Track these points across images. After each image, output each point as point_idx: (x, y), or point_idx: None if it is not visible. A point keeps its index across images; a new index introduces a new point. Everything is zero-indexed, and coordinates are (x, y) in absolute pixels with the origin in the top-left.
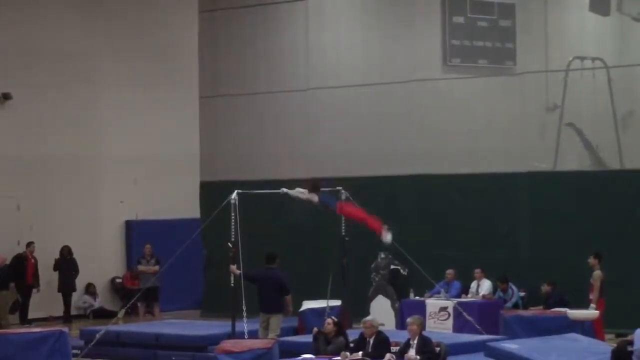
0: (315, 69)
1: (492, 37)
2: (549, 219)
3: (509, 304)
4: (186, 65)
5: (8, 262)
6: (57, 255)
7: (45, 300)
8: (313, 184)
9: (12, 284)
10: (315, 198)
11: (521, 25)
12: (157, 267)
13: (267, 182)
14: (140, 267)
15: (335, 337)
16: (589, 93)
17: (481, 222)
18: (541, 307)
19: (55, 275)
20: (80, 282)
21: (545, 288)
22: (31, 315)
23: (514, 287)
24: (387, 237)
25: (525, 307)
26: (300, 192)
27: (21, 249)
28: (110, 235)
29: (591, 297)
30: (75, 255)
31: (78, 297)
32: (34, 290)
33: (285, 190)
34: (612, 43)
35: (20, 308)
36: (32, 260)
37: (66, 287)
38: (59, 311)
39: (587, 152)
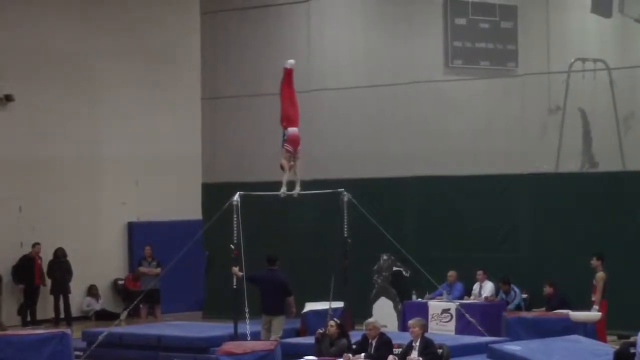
0: (317, 70)
1: (493, 39)
2: (550, 221)
3: (511, 306)
4: (188, 66)
5: (15, 263)
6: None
7: (47, 302)
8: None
9: (21, 286)
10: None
11: (523, 27)
12: (158, 269)
13: (269, 184)
14: (142, 269)
15: (337, 339)
16: (590, 94)
17: (483, 223)
18: (543, 308)
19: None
20: (82, 284)
21: (547, 290)
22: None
23: (516, 289)
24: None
25: (528, 309)
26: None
27: (24, 250)
28: (112, 236)
29: (594, 298)
30: (77, 257)
31: (81, 300)
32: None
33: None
34: (614, 44)
35: (28, 310)
36: (39, 261)
37: (61, 289)
38: (62, 313)
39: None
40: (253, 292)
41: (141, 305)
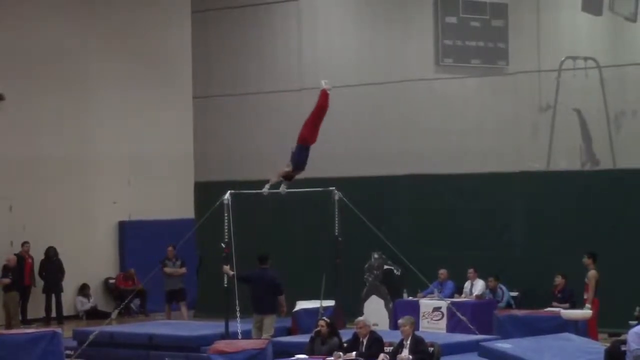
0: (308, 69)
1: (484, 37)
2: (542, 219)
3: (502, 304)
4: (179, 65)
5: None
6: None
7: (38, 301)
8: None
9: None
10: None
11: (514, 25)
12: (184, 269)
13: (260, 183)
14: (167, 270)
15: (329, 338)
16: (581, 93)
17: (475, 222)
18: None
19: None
20: (73, 283)
21: (558, 280)
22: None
23: (503, 287)
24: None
25: (518, 307)
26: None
27: (14, 250)
28: (103, 235)
29: (586, 296)
30: (68, 256)
31: (73, 299)
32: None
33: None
34: (604, 43)
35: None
36: (30, 260)
37: (52, 288)
38: (53, 312)
39: (583, 148)
40: (244, 291)
41: (132, 305)
